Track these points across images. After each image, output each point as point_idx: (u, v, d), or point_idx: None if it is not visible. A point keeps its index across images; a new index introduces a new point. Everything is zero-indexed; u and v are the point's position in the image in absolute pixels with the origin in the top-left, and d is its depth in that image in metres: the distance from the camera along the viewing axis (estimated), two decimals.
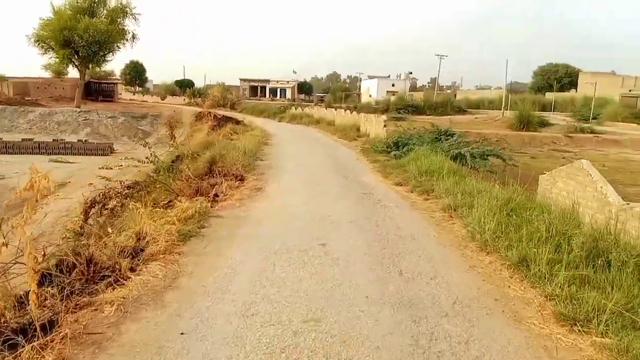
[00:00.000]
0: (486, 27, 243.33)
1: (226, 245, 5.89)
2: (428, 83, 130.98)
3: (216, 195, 9.24)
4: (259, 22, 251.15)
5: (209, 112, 41.72)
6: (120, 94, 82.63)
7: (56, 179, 23.01)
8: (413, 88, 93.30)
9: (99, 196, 9.73)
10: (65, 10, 42.61)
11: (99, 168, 25.36)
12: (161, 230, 6.21)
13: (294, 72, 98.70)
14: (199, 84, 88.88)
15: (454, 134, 22.12)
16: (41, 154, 29.75)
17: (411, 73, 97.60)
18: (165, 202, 9.36)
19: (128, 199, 9.69)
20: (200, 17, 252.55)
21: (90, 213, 9.51)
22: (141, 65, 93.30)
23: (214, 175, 11.35)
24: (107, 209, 9.48)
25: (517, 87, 76.04)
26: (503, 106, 44.45)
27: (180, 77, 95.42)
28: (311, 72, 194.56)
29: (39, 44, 43.21)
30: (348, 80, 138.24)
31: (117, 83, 73.18)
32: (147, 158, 10.55)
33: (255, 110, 46.86)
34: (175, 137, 10.48)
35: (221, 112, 45.81)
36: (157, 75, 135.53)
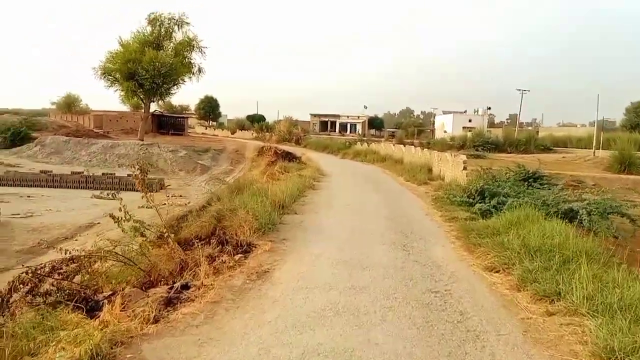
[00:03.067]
0: (570, 61, 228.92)
1: None
2: (507, 119, 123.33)
3: (185, 287, 5.62)
4: (331, 58, 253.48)
5: (270, 148, 39.43)
6: (193, 127, 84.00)
7: (85, 220, 20.75)
8: (491, 124, 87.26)
9: (28, 274, 6.43)
10: (132, 44, 42.47)
11: (139, 207, 22.96)
12: None
13: (365, 107, 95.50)
14: (271, 119, 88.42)
15: (544, 176, 17.90)
16: (88, 188, 28.15)
17: (490, 108, 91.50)
18: (108, 294, 5.90)
19: (69, 278, 6.34)
20: (275, 53, 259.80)
21: (13, 300, 6.22)
22: (215, 100, 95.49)
23: (216, 238, 7.86)
24: (38, 294, 6.16)
25: (606, 124, 68.15)
26: (594, 145, 38.90)
27: (253, 113, 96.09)
28: (384, 108, 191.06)
29: (105, 77, 43.21)
30: (422, 116, 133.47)
31: (187, 117, 73.91)
32: (113, 216, 7.27)
33: (319, 145, 43.90)
34: (146, 188, 6.99)
35: (285, 147, 43.47)
36: (232, 110, 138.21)
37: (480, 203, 11.81)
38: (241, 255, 6.84)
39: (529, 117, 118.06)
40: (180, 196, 26.37)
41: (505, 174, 15.08)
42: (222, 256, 6.76)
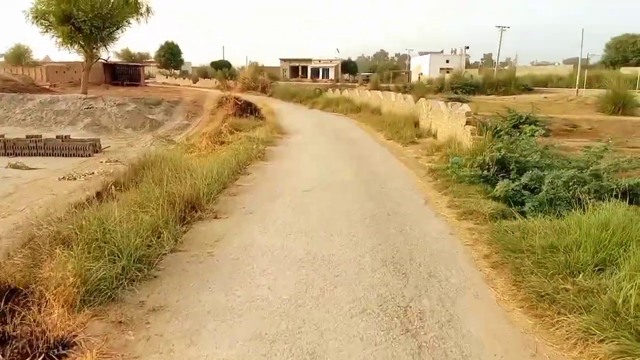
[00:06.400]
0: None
1: None
2: (481, 59, 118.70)
3: None
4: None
5: (230, 98, 34.49)
6: (153, 77, 77.20)
7: None
8: (466, 65, 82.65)
9: None
10: None
11: (60, 178, 18.48)
12: None
13: (338, 50, 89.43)
14: (239, 65, 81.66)
15: (537, 121, 14.54)
16: (7, 154, 23.27)
17: (468, 48, 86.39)
18: None
19: None
20: None
21: None
22: (176, 46, 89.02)
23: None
24: None
25: (583, 62, 65.64)
26: (577, 84, 36.30)
27: (219, 59, 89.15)
28: (358, 52, 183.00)
29: (38, 21, 36.93)
30: (396, 59, 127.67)
31: (144, 66, 67.19)
32: None
33: (286, 93, 39.00)
34: None
35: (249, 96, 38.63)
36: (196, 57, 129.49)
37: (504, 179, 7.83)
38: None
39: (502, 56, 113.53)
40: (117, 161, 21.85)
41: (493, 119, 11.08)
42: None
